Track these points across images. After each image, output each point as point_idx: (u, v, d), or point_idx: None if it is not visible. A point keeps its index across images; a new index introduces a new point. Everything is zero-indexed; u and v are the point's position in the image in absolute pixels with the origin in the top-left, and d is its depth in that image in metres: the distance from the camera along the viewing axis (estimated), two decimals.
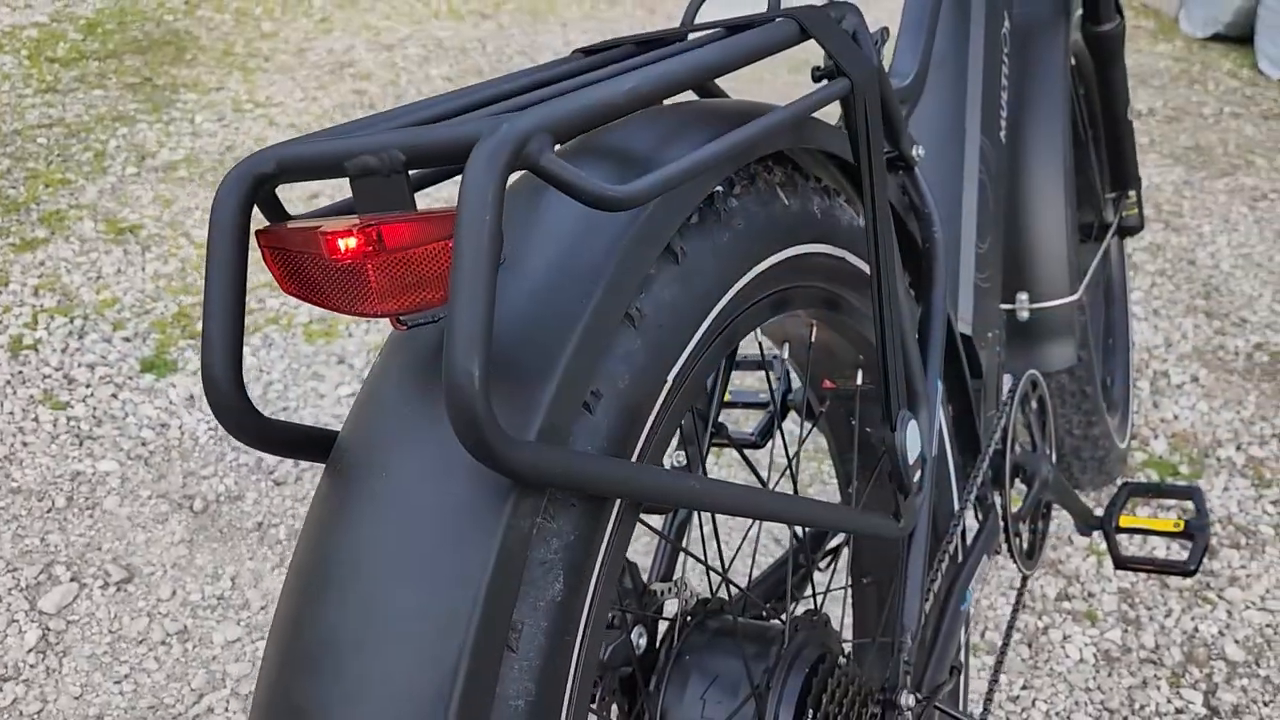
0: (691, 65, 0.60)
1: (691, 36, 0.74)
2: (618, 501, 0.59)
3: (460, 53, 3.97)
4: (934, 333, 0.90)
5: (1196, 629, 1.55)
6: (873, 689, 0.81)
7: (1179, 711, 1.42)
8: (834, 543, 1.14)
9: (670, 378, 0.62)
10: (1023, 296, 1.46)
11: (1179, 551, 1.67)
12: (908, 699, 0.79)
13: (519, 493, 0.51)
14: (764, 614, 0.92)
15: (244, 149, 3.00)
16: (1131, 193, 1.68)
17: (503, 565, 0.51)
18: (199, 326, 2.21)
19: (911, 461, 0.78)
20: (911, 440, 0.78)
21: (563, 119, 0.50)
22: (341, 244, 0.49)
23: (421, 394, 0.56)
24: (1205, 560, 1.44)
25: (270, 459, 1.80)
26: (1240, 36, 4.93)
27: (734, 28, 0.71)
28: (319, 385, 2.00)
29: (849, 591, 1.14)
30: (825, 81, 0.69)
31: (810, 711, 0.75)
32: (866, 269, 0.79)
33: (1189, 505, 1.65)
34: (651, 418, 0.61)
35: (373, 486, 0.54)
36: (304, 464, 1.79)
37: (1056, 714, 1.43)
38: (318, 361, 2.08)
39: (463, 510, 0.52)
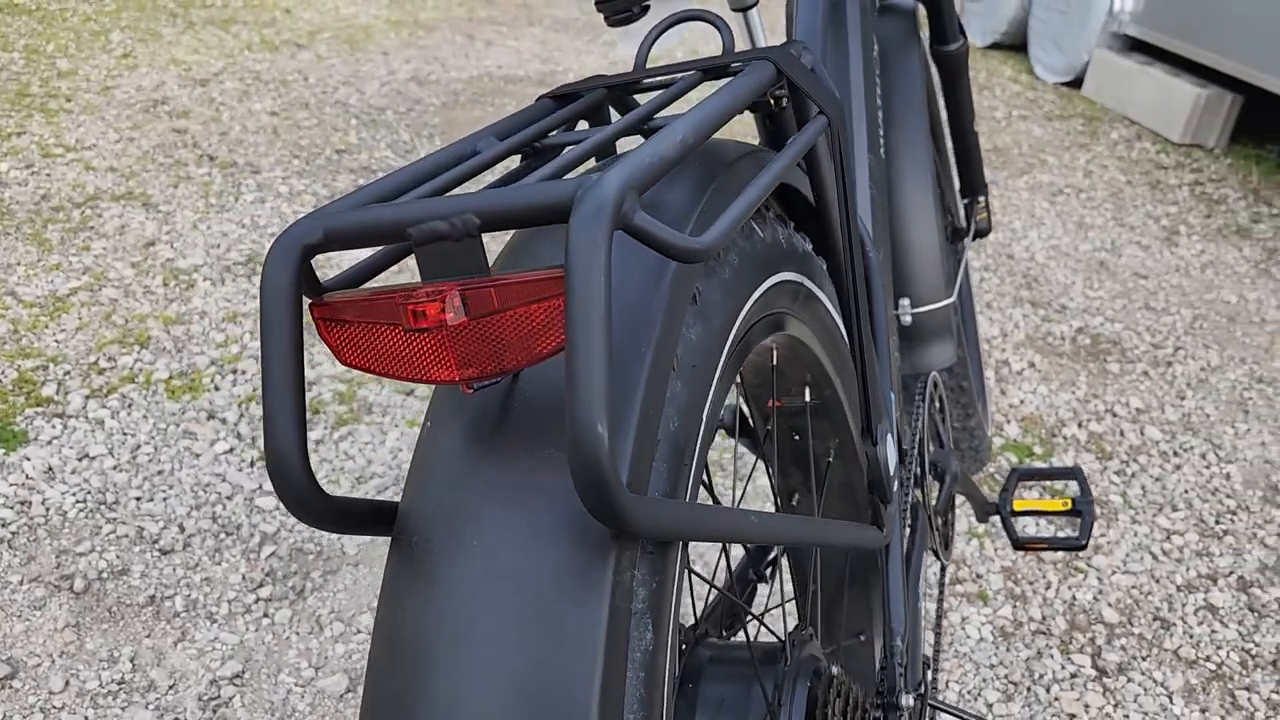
0: (713, 113, 0.63)
1: (662, 78, 0.77)
2: (680, 544, 0.61)
3: (281, 85, 3.84)
4: (883, 347, 0.95)
5: (1075, 597, 1.70)
6: (869, 694, 0.86)
7: (1073, 676, 1.55)
8: (772, 555, 1.18)
9: (705, 415, 0.65)
10: (905, 302, 1.56)
11: (1066, 528, 1.82)
12: (907, 700, 0.84)
13: (619, 548, 0.53)
14: (746, 632, 0.95)
15: (62, 196, 2.80)
16: (981, 198, 1.82)
17: (614, 623, 0.52)
18: (45, 390, 2.06)
19: (893, 471, 0.83)
20: (891, 452, 0.83)
21: (642, 174, 0.52)
22: (427, 311, 0.49)
23: (496, 457, 0.56)
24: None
25: (153, 527, 1.70)
26: (1015, 44, 5.37)
27: (708, 69, 0.75)
28: (192, 444, 1.90)
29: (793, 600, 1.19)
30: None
31: None
32: (820, 292, 0.83)
33: (1072, 485, 1.79)
34: (695, 456, 0.64)
35: (463, 557, 0.54)
36: (190, 530, 1.71)
37: (969, 692, 1.53)
38: (186, 419, 1.97)
39: (568, 572, 0.52)
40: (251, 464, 1.85)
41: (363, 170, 3.17)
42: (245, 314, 2.33)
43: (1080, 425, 2.18)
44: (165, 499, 1.76)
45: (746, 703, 0.82)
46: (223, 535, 1.69)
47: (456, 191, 0.60)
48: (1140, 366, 2.40)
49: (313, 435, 1.90)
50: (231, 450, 1.88)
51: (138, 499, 1.76)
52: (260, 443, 1.88)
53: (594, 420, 0.46)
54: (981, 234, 1.91)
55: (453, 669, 0.51)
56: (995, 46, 5.46)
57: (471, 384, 0.54)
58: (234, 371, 2.11)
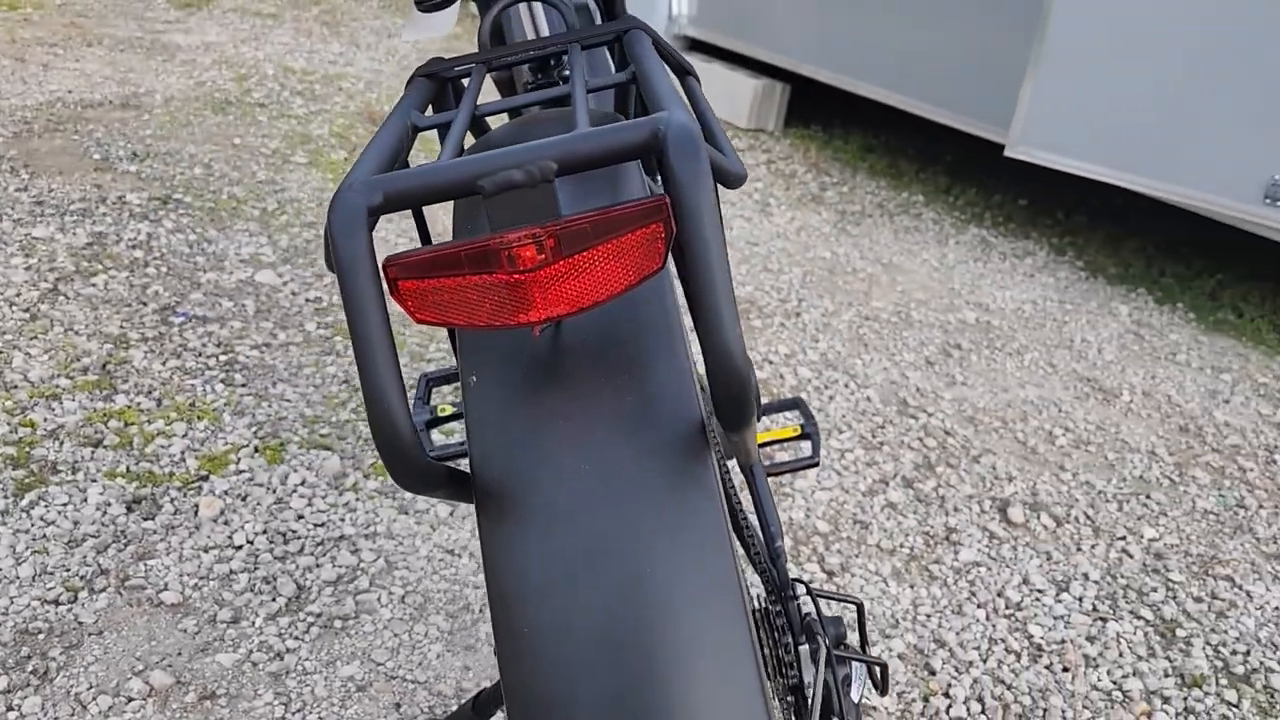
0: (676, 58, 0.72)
1: (537, 52, 0.84)
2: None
3: None
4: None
5: (791, 518, 1.94)
6: (767, 594, 0.97)
7: (811, 580, 1.79)
8: None
9: None
10: None
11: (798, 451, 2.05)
12: (800, 589, 0.97)
13: (707, 468, 0.59)
14: None
15: None
16: None
17: (716, 531, 0.59)
18: None
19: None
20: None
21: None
22: (522, 255, 0.52)
23: (559, 401, 0.59)
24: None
25: None
26: None
27: (584, 39, 0.83)
28: None
29: None
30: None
31: None
32: None
33: (796, 413, 2.02)
34: None
35: (561, 499, 0.57)
36: None
37: None
38: None
39: (666, 497, 0.58)
40: None
41: None
42: None
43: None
44: None
45: None
46: None
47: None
48: (777, 319, 2.75)
49: None
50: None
51: None
52: None
53: (736, 331, 0.52)
54: None
55: (590, 592, 0.55)
56: None
57: (543, 326, 0.58)
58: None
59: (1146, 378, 2.65)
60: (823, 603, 1.59)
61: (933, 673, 1.60)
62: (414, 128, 0.71)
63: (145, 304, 2.35)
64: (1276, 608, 1.82)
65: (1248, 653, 1.71)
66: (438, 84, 0.82)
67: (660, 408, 0.59)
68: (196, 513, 1.75)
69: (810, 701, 0.76)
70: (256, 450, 1.92)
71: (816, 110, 4.70)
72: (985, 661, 1.64)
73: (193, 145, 3.32)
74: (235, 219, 2.85)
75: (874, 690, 1.02)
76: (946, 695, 1.56)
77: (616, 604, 0.53)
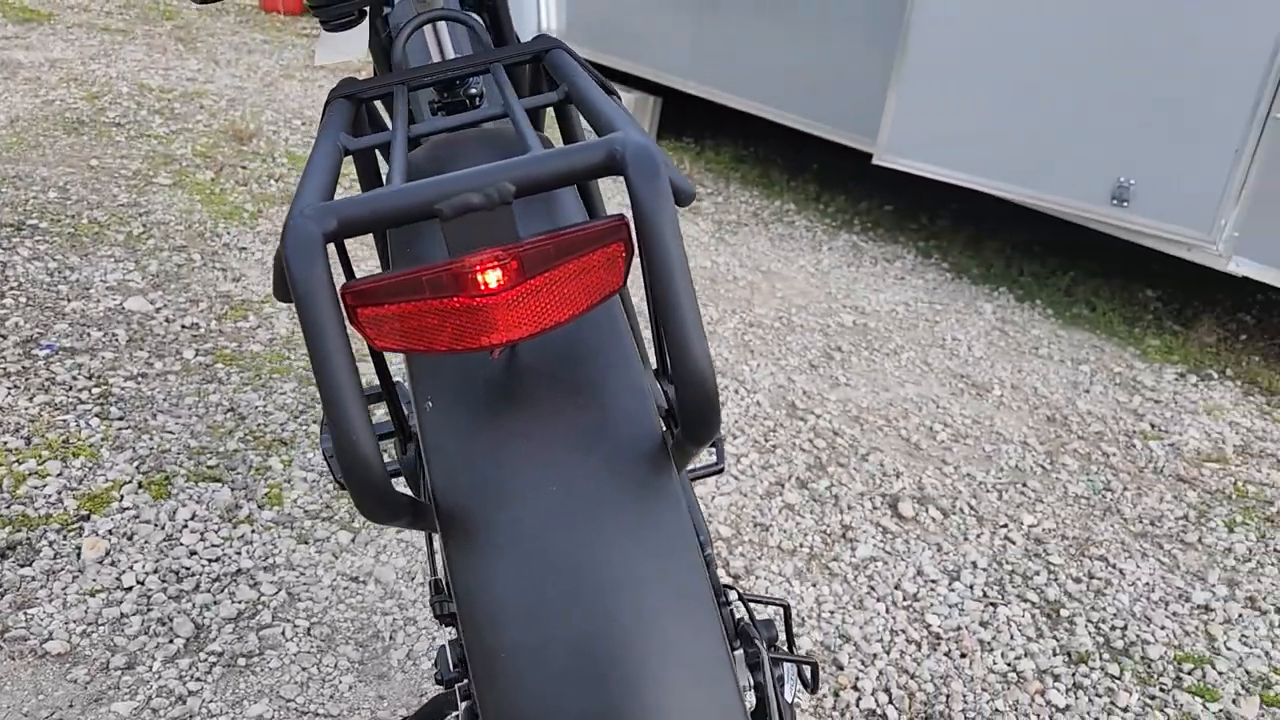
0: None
1: (457, 71, 0.85)
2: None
3: None
4: None
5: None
6: None
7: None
8: None
9: None
10: None
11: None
12: (733, 594, 0.99)
13: (668, 477, 0.61)
14: None
15: None
16: None
17: (682, 532, 0.60)
18: None
19: None
20: None
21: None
22: (487, 278, 0.53)
23: (518, 423, 0.60)
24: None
25: None
26: None
27: (506, 59, 0.84)
28: None
29: None
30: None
31: None
32: None
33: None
34: None
35: (530, 518, 0.57)
36: None
37: None
38: None
39: (629, 506, 0.59)
40: None
41: None
42: None
43: None
44: None
45: None
46: None
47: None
48: None
49: None
50: None
51: None
52: None
53: (703, 346, 0.53)
54: None
55: (567, 610, 0.55)
56: None
57: (500, 349, 0.58)
58: None
59: (1014, 372, 2.79)
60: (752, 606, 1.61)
61: (840, 668, 1.65)
62: (344, 150, 0.70)
63: (5, 337, 2.22)
64: (1146, 583, 1.95)
65: (1125, 627, 1.82)
66: (355, 105, 0.81)
67: (621, 424, 0.59)
68: (79, 555, 1.67)
69: (768, 706, 0.78)
70: (140, 486, 1.84)
71: (688, 123, 4.78)
72: (889, 653, 1.70)
73: (45, 168, 3.15)
74: (98, 244, 2.72)
75: (804, 689, 1.05)
76: (855, 688, 1.62)
77: (594, 620, 0.54)
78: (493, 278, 0.53)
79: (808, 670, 0.99)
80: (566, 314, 0.56)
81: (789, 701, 0.95)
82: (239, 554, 1.72)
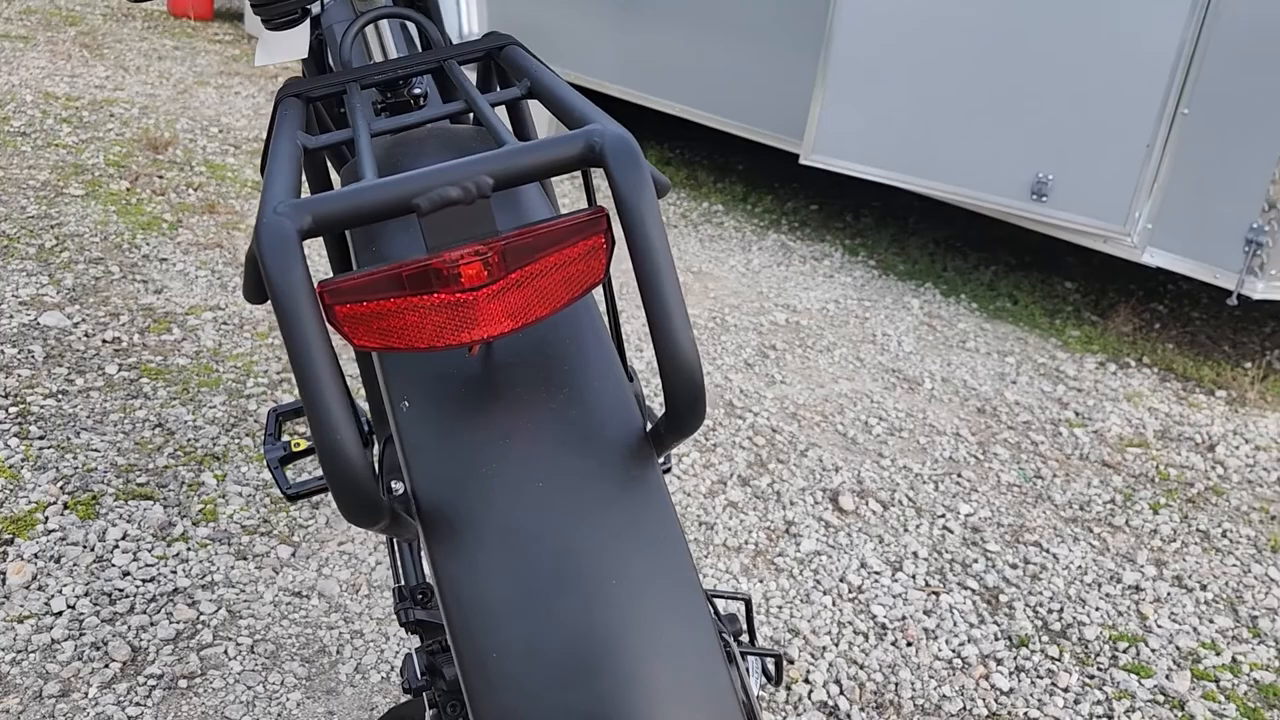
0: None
1: (408, 69, 0.84)
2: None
3: None
4: None
5: None
6: None
7: None
8: None
9: None
10: None
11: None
12: None
13: (648, 465, 0.60)
14: None
15: None
16: None
17: (666, 515, 0.59)
18: None
19: None
20: None
21: None
22: (466, 272, 0.52)
23: (495, 419, 0.59)
24: None
25: None
26: None
27: (459, 54, 0.83)
28: None
29: None
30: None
31: None
32: None
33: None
34: None
35: (536, 500, 0.56)
36: None
37: None
38: None
39: (635, 482, 0.58)
40: None
41: None
42: None
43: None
44: None
45: None
46: None
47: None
48: None
49: None
50: None
51: None
52: None
53: (689, 335, 0.53)
54: None
55: (560, 607, 0.54)
56: None
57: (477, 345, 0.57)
58: None
59: (943, 365, 2.85)
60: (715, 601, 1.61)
61: (791, 661, 1.67)
62: (304, 149, 0.68)
63: None
64: (1079, 566, 2.00)
65: (1061, 610, 1.87)
66: (306, 104, 0.79)
67: (604, 418, 0.59)
68: (3, 581, 1.60)
69: (743, 705, 0.78)
70: (66, 506, 1.77)
71: None
72: (838, 645, 1.72)
73: None
74: (8, 258, 2.62)
75: (768, 681, 1.05)
76: (807, 681, 1.63)
77: (590, 615, 0.53)
78: (475, 272, 0.52)
79: (770, 662, 0.99)
80: (549, 308, 0.56)
81: (755, 694, 0.96)
82: (175, 573, 1.67)
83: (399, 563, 1.00)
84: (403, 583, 0.92)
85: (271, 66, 5.28)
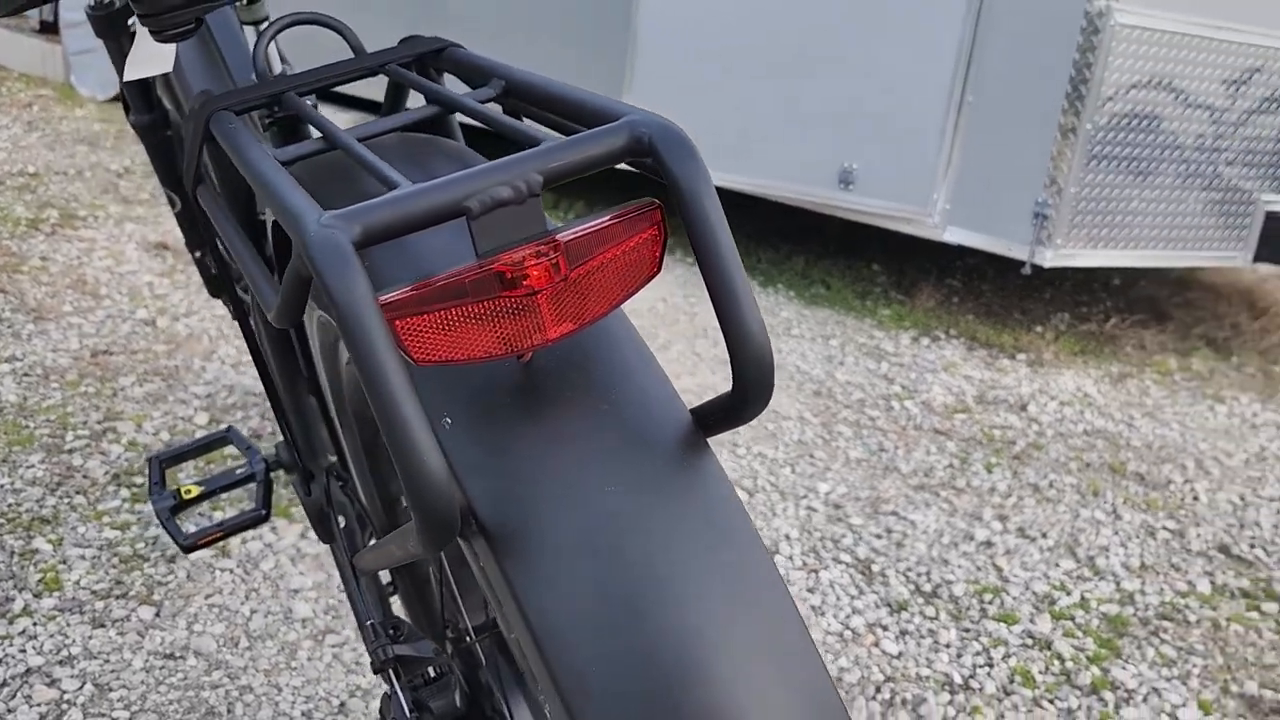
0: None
1: (343, 73, 0.81)
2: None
3: None
4: None
5: None
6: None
7: None
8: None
9: None
10: None
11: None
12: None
13: (711, 461, 0.59)
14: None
15: None
16: None
17: (736, 509, 0.58)
18: None
19: None
20: None
21: None
22: (533, 273, 0.51)
23: (545, 426, 0.57)
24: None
25: None
26: None
27: (401, 58, 0.81)
28: None
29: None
30: None
31: None
32: None
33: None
34: None
35: (613, 504, 0.54)
36: None
37: None
38: None
39: (704, 478, 0.56)
40: None
41: None
42: None
43: None
44: None
45: None
46: None
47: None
48: None
49: None
50: None
51: None
52: None
53: (757, 315, 0.53)
54: None
55: (657, 611, 0.52)
56: (118, 98, 5.27)
57: (528, 353, 0.54)
58: None
59: (775, 353, 2.95)
60: None
61: None
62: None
63: None
64: (936, 529, 2.12)
65: (929, 572, 1.98)
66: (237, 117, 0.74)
67: (658, 416, 0.58)
68: None
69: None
70: None
71: None
72: None
73: None
74: None
75: None
76: None
77: (685, 619, 0.52)
78: (539, 273, 0.50)
79: None
80: (608, 305, 0.55)
81: None
82: (24, 651, 1.50)
83: (359, 600, 0.94)
84: (371, 620, 0.87)
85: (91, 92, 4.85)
